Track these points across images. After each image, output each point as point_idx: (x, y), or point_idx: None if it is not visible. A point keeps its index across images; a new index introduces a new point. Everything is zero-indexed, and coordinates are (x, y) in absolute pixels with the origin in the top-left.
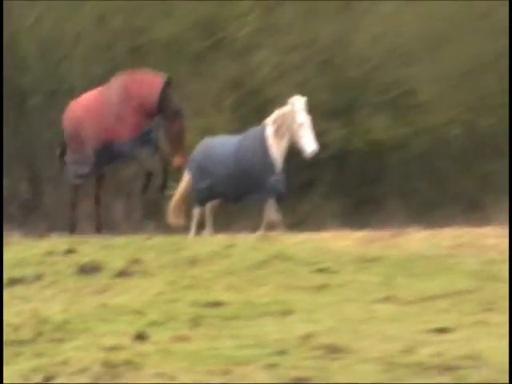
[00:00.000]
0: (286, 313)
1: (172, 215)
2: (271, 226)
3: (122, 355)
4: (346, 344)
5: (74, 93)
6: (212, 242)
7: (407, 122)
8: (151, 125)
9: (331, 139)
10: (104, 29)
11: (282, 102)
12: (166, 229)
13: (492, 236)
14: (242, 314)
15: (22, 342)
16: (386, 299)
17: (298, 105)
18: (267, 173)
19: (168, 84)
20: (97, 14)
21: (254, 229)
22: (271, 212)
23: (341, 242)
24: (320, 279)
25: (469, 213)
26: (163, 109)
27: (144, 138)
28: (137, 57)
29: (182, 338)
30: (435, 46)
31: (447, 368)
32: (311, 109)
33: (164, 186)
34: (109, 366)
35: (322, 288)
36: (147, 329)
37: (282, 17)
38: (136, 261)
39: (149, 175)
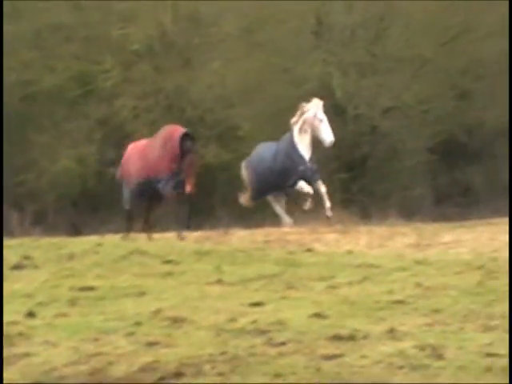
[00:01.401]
0: (141, 294)
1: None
2: (305, 199)
3: (17, 328)
4: (186, 316)
5: None
6: (84, 241)
7: (232, 149)
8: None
9: None
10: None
11: (138, 136)
12: (51, 232)
13: (293, 234)
14: (108, 296)
15: None
16: (216, 282)
17: (317, 105)
18: (297, 164)
19: (186, 135)
20: None
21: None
22: (303, 187)
23: (183, 240)
24: (166, 268)
25: (275, 216)
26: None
27: (175, 178)
28: (27, 103)
29: (63, 315)
30: (251, 93)
31: (260, 332)
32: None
33: (189, 218)
34: (7, 337)
35: (168, 275)
36: (36, 308)
37: (137, 72)
38: (27, 257)
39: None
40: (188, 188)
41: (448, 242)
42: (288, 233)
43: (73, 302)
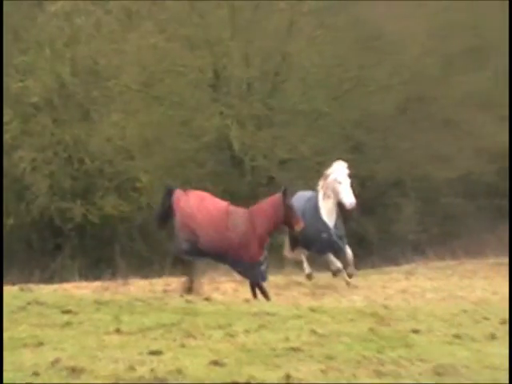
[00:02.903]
0: (39, 344)
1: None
2: (335, 274)
3: None
4: (85, 366)
5: None
6: None
7: (130, 201)
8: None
9: (74, 214)
10: None
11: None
12: None
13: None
14: (6, 347)
15: None
16: (115, 331)
17: (338, 168)
18: (319, 230)
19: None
20: None
21: None
22: (331, 262)
23: (81, 290)
24: (65, 318)
25: (174, 266)
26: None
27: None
28: None
29: None
30: (150, 145)
31: (159, 380)
32: (58, 192)
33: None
34: None
35: (66, 325)
36: None
37: (36, 124)
38: None
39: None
40: (298, 225)
41: (342, 290)
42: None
43: None
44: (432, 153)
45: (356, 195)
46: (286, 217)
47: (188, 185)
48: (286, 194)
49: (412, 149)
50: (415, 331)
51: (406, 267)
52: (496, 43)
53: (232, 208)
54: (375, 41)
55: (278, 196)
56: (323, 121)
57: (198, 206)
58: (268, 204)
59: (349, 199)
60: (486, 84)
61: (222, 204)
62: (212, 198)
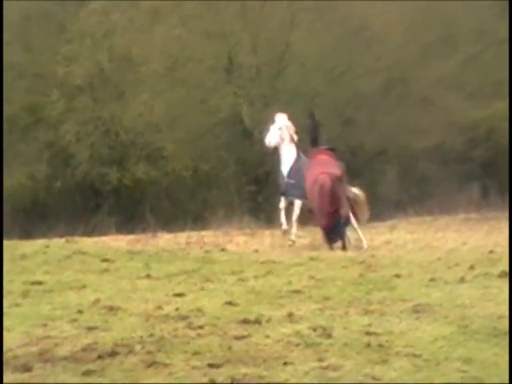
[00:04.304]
0: (83, 287)
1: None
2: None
3: None
4: (120, 305)
5: None
6: (34, 243)
7: (158, 167)
8: None
9: (111, 179)
10: None
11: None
12: (6, 236)
13: (210, 236)
14: (54, 289)
15: None
16: (145, 277)
17: (277, 119)
18: (278, 178)
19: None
20: None
21: None
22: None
23: (117, 242)
24: (104, 265)
25: (195, 222)
26: None
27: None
28: None
29: (16, 305)
30: (174, 120)
31: (182, 317)
32: (98, 160)
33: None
34: None
35: (105, 271)
36: None
37: (79, 102)
38: None
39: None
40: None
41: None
42: (205, 236)
43: (25, 294)
44: (411, 126)
45: (347, 162)
46: None
47: (206, 153)
48: None
49: (394, 123)
50: (397, 276)
51: (389, 222)
52: (464, 33)
53: None
54: (363, 32)
55: None
56: (319, 99)
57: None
58: None
59: (265, 139)
60: (456, 67)
61: None
62: None
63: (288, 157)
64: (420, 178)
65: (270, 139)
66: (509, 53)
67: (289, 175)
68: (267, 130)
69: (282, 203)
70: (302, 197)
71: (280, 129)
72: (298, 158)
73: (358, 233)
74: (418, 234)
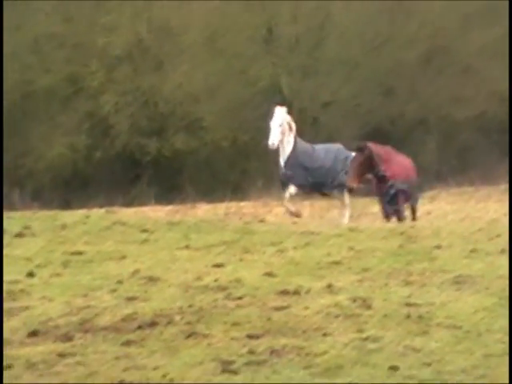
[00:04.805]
0: (122, 258)
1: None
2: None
3: (19, 286)
4: (160, 276)
5: None
6: (74, 214)
7: (197, 138)
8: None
9: (150, 149)
10: (7, 81)
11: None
12: (47, 207)
13: (249, 207)
14: (94, 259)
15: None
16: (185, 247)
17: (275, 113)
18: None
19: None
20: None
21: None
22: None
23: (157, 212)
24: (143, 236)
25: (234, 193)
26: None
27: None
28: (27, 100)
29: (57, 275)
30: (213, 91)
31: (221, 288)
32: (137, 130)
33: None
34: (10, 292)
35: (144, 241)
36: (34, 269)
37: (118, 73)
38: (27, 227)
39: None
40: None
41: (375, 213)
42: (244, 206)
43: (65, 265)
44: (452, 95)
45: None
46: None
47: (245, 124)
48: None
49: (435, 92)
50: (438, 247)
51: (430, 193)
52: (506, 3)
53: None
54: (404, 0)
55: None
56: (360, 69)
57: None
58: None
59: (268, 141)
60: (498, 36)
61: None
62: None
63: (286, 149)
64: (461, 147)
65: (273, 141)
66: (509, 52)
67: (285, 166)
68: (268, 126)
69: (287, 193)
70: (298, 186)
71: (280, 125)
72: (295, 147)
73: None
74: (459, 204)
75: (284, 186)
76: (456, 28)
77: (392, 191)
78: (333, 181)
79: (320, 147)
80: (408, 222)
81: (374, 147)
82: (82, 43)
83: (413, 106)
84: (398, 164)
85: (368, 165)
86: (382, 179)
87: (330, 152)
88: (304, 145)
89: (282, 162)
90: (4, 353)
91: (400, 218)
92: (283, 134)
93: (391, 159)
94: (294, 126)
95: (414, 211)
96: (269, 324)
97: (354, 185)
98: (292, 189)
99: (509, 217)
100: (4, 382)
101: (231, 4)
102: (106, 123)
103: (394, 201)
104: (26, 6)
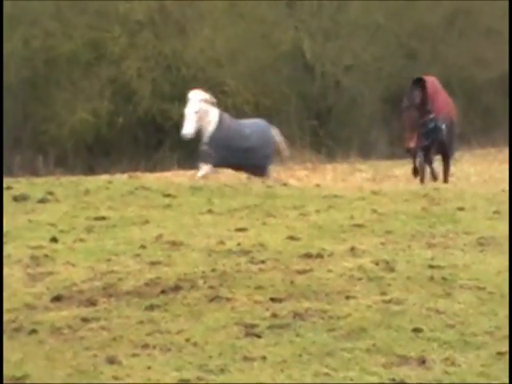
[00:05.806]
0: (145, 222)
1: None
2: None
3: (43, 251)
4: (183, 240)
5: None
6: (97, 179)
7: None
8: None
9: (173, 114)
10: (29, 48)
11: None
12: (70, 172)
13: (271, 171)
14: (118, 224)
15: None
16: (207, 212)
17: (189, 98)
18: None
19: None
20: (23, 37)
21: None
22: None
23: (179, 177)
24: (166, 201)
25: None
26: None
27: None
28: (50, 66)
29: (81, 240)
30: (235, 55)
31: (244, 252)
32: (159, 95)
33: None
34: (34, 258)
35: (167, 206)
36: (58, 235)
37: (141, 38)
38: (50, 193)
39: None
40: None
41: (398, 175)
42: None
43: (89, 230)
44: (475, 57)
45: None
46: None
47: (267, 88)
48: None
49: (458, 54)
50: (461, 209)
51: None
52: None
53: None
54: None
55: None
56: (382, 32)
57: None
58: None
59: (182, 130)
60: None
61: None
62: None
63: (208, 128)
64: (484, 109)
65: (188, 130)
66: (509, 52)
67: (206, 143)
68: (183, 114)
69: (200, 172)
70: (215, 165)
71: (197, 112)
72: (220, 125)
73: None
74: (482, 166)
75: (202, 161)
76: None
77: (431, 125)
78: (256, 163)
79: (247, 124)
80: (431, 184)
81: (429, 81)
82: (103, 9)
83: (435, 68)
84: (443, 101)
85: (421, 110)
86: (425, 112)
87: (257, 132)
88: (230, 123)
89: (204, 138)
90: (28, 318)
91: (431, 170)
92: (201, 119)
93: (437, 94)
94: (214, 100)
95: (447, 169)
96: (292, 287)
97: (412, 144)
98: (208, 168)
99: None
100: (29, 346)
101: None
102: (128, 89)
103: (431, 136)
104: None
